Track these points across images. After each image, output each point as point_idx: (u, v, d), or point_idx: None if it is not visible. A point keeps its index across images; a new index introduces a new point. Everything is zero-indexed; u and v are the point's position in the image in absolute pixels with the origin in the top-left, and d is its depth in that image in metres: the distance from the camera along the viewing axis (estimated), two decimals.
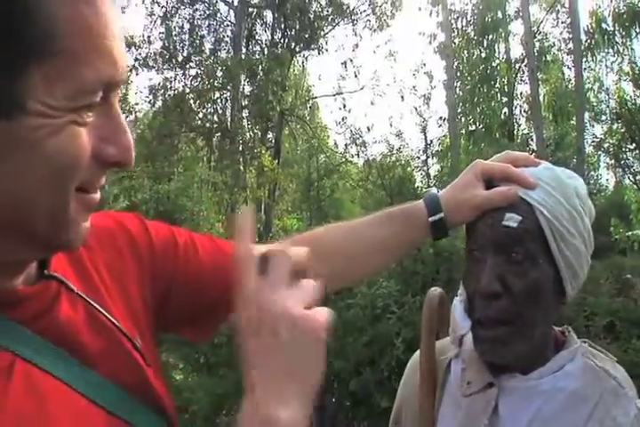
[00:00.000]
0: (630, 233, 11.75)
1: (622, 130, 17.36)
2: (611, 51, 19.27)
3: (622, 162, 18.44)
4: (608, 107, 18.31)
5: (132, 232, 1.18)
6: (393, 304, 6.18)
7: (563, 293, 1.28)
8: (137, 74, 19.52)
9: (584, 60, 18.35)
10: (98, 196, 0.90)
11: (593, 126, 18.79)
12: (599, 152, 20.35)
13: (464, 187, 1.34)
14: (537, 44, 19.71)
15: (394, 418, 1.52)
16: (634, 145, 16.84)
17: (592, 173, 21.08)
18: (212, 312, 1.28)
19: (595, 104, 18.86)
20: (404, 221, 1.41)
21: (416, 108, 13.81)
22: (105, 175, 0.89)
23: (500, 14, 20.50)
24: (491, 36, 20.60)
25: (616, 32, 18.30)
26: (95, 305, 1.01)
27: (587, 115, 17.58)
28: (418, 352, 1.47)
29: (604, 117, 18.56)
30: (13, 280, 0.90)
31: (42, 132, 0.77)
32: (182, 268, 1.23)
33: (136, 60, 22.31)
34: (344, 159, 17.99)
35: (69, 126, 0.79)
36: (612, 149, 18.25)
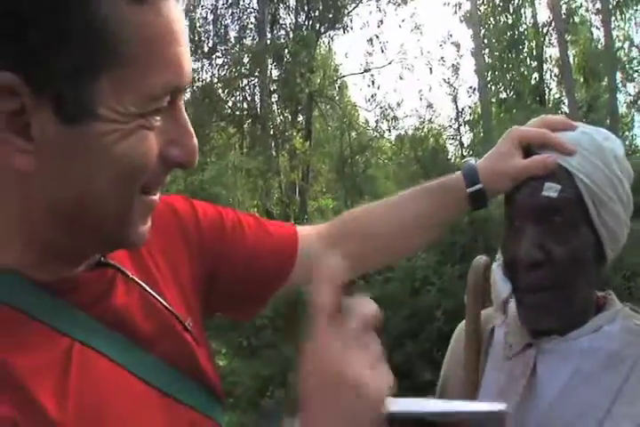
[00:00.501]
0: None
1: None
2: None
3: None
4: None
5: (181, 213, 1.22)
6: (432, 275, 6.16)
7: (603, 257, 1.26)
8: None
9: (612, 18, 18.08)
10: (157, 197, 0.94)
11: (625, 86, 18.51)
12: (632, 111, 20.07)
13: (501, 156, 1.31)
14: (564, 7, 19.47)
15: (440, 390, 1.54)
16: None
17: (627, 133, 20.73)
18: (256, 291, 1.35)
19: (626, 63, 18.52)
20: (443, 193, 1.40)
21: (445, 80, 13.69)
22: (167, 176, 0.93)
23: None
24: (516, 1, 20.39)
25: None
26: (149, 290, 1.05)
27: (618, 74, 17.30)
28: (462, 324, 1.48)
29: (636, 76, 18.25)
30: (74, 269, 0.95)
31: (112, 136, 0.80)
32: (229, 246, 1.27)
33: None
34: (376, 134, 17.95)
35: (138, 131, 0.82)
36: None
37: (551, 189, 1.20)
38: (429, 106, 13.73)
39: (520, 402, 1.25)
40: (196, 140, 0.91)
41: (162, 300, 1.06)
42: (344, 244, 1.36)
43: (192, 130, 0.91)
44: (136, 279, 1.04)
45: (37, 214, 0.86)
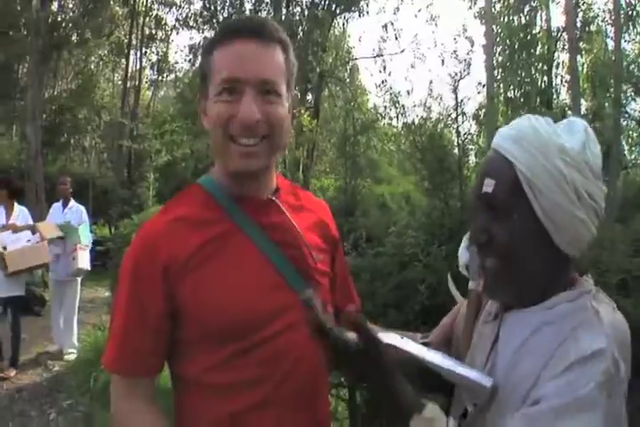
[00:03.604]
0: None
1: None
2: None
3: None
4: None
5: (331, 217, 1.93)
6: (420, 253, 6.36)
7: (552, 244, 1.34)
8: (177, 33, 19.59)
9: (627, 31, 18.09)
10: (246, 148, 1.56)
11: (634, 100, 18.47)
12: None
13: None
14: (580, 15, 19.46)
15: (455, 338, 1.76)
16: None
17: (632, 147, 20.73)
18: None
19: (638, 76, 18.42)
20: None
21: (451, 74, 13.80)
22: (245, 134, 1.56)
23: None
24: (531, 3, 20.40)
25: None
26: (292, 220, 1.70)
27: (627, 87, 17.24)
28: None
29: None
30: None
31: (209, 103, 1.60)
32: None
33: (177, 20, 22.55)
34: (379, 116, 17.97)
35: (217, 102, 1.56)
36: None
37: (488, 185, 1.36)
38: (438, 97, 13.83)
39: (486, 363, 1.44)
40: (247, 115, 1.52)
41: (298, 229, 1.69)
42: None
43: (247, 109, 1.53)
44: (287, 213, 1.70)
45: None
